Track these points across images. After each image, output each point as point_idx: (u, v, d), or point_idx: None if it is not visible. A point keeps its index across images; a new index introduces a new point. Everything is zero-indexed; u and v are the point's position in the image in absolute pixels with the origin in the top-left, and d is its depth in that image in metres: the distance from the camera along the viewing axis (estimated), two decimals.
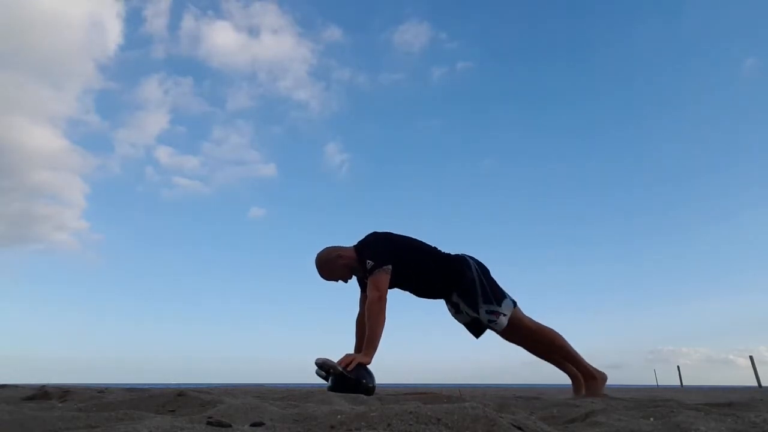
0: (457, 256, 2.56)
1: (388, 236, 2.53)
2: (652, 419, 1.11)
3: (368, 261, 2.36)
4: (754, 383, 13.97)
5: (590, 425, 1.08)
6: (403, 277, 2.43)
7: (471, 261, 2.53)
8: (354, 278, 2.59)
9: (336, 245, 2.56)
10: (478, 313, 2.43)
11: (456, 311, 2.56)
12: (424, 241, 2.59)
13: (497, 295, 2.45)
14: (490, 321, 2.42)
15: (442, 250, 2.58)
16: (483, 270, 2.52)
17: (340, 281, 2.54)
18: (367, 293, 2.32)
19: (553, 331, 2.52)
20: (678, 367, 18.25)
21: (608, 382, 2.52)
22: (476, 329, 2.53)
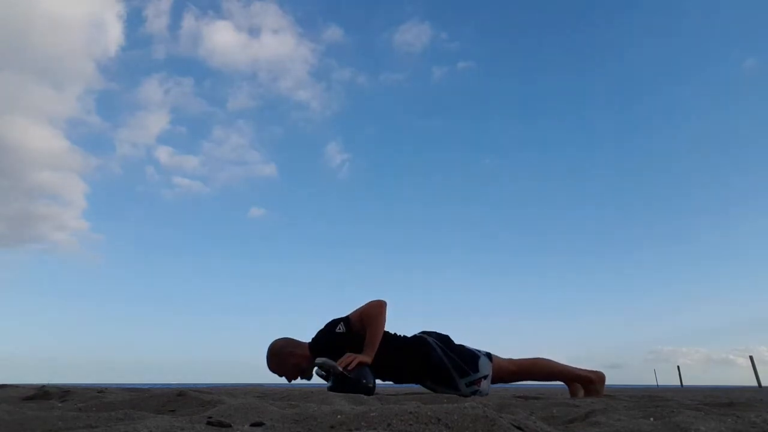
0: (414, 338, 2.44)
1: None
2: (652, 419, 1.11)
3: (338, 328, 2.29)
4: (754, 383, 13.99)
5: (590, 425, 1.08)
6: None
7: (429, 339, 2.41)
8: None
9: (294, 339, 2.46)
10: (459, 389, 2.33)
11: (435, 391, 2.44)
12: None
13: (470, 361, 2.36)
14: (473, 392, 2.32)
15: (401, 335, 2.46)
16: (445, 342, 2.42)
17: (284, 378, 2.42)
18: (363, 308, 2.28)
19: (537, 361, 2.48)
20: (678, 367, 18.30)
21: (608, 382, 2.51)
22: (464, 397, 2.43)
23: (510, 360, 2.48)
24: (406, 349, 2.39)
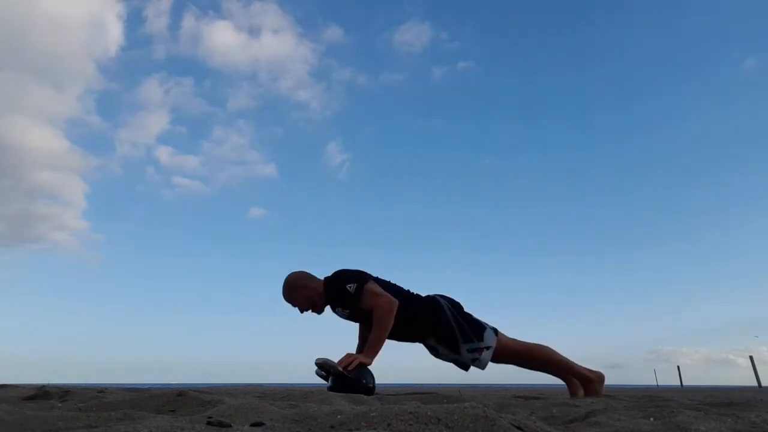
0: (427, 297, 2.49)
1: (360, 271, 2.46)
2: (652, 419, 1.11)
3: (349, 286, 2.30)
4: (754, 383, 14.00)
5: (590, 425, 1.07)
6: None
7: (442, 301, 2.46)
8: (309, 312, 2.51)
9: (309, 273, 2.52)
10: (460, 353, 2.37)
11: (436, 354, 2.50)
12: (396, 283, 2.52)
13: (476, 330, 2.39)
14: (473, 359, 2.37)
15: (414, 292, 2.51)
16: (456, 307, 2.46)
17: (296, 309, 2.48)
18: (371, 305, 2.27)
19: (541, 347, 2.49)
20: (678, 367, 18.31)
21: (608, 382, 2.51)
22: (462, 366, 2.46)
23: (515, 340, 2.50)
24: (416, 305, 2.44)
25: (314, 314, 2.50)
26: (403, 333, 2.47)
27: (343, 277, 2.38)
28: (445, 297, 2.51)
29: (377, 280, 2.44)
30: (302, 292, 2.44)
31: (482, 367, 2.40)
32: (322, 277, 2.48)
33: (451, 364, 2.49)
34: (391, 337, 2.45)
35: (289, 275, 2.50)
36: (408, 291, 2.50)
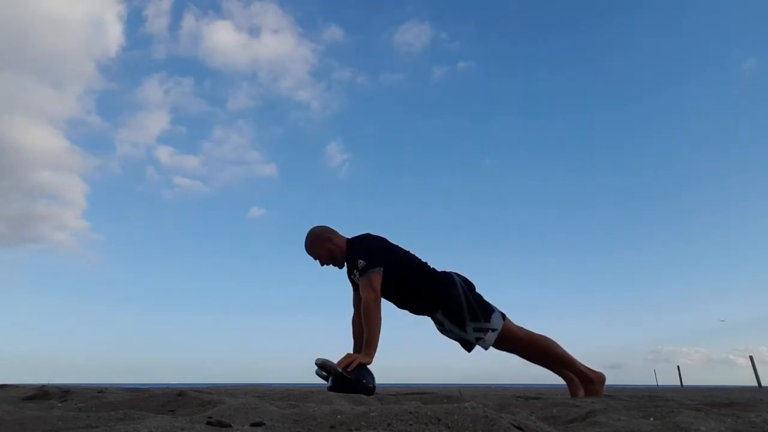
0: (443, 273, 2.53)
1: (382, 240, 2.53)
2: (652, 419, 1.11)
3: (360, 261, 2.35)
4: (754, 383, 13.99)
5: (590, 425, 1.07)
6: (389, 285, 2.39)
7: (456, 278, 2.49)
8: (326, 266, 2.61)
9: (334, 229, 2.59)
10: (465, 331, 2.41)
11: (442, 329, 2.53)
12: (415, 254, 2.56)
13: (484, 311, 2.42)
14: (477, 339, 2.40)
15: (431, 266, 2.55)
16: (469, 286, 2.49)
17: (317, 261, 2.57)
18: (362, 293, 2.32)
19: (546, 338, 2.50)
20: (678, 367, 18.30)
21: (608, 382, 2.50)
22: (466, 345, 2.50)
23: (521, 327, 2.51)
24: (431, 277, 2.49)
25: (335, 268, 2.59)
26: (413, 303, 2.52)
27: (364, 248, 2.43)
28: (460, 275, 2.55)
29: (396, 248, 2.52)
30: (325, 245, 2.53)
31: (485, 347, 2.43)
32: (344, 236, 2.57)
33: (457, 344, 2.52)
34: (403, 307, 2.54)
35: (313, 227, 2.60)
36: (425, 263, 2.55)
